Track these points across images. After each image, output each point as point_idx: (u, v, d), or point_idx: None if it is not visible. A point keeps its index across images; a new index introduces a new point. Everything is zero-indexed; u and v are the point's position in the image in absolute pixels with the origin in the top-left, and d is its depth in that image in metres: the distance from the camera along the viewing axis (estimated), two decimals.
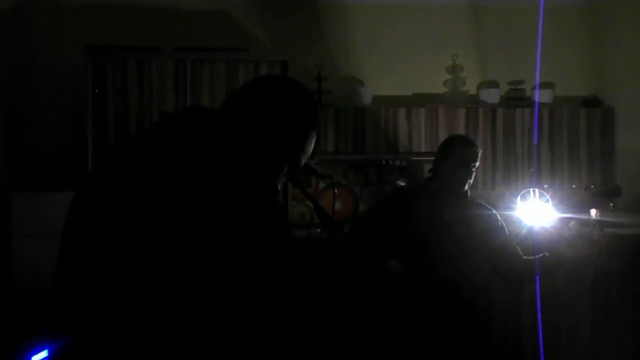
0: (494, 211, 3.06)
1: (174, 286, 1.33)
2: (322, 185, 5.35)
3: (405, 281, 2.78)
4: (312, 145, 1.69)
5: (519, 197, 4.16)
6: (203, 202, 1.37)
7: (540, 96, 5.52)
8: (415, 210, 2.95)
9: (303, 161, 1.69)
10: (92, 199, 1.44)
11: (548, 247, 4.42)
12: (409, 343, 2.87)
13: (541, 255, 2.91)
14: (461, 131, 5.34)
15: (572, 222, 4.76)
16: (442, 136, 5.51)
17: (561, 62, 5.61)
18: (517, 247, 2.94)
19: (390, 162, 5.42)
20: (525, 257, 2.93)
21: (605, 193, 2.73)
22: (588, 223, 4.60)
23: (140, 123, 4.87)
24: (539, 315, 4.48)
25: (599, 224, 4.57)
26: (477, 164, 3.00)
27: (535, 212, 2.96)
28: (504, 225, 3.01)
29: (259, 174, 1.49)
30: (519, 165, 5.39)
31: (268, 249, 1.42)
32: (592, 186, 2.76)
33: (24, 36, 5.18)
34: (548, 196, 3.12)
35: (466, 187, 2.98)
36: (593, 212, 4.66)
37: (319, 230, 4.63)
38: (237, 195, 1.40)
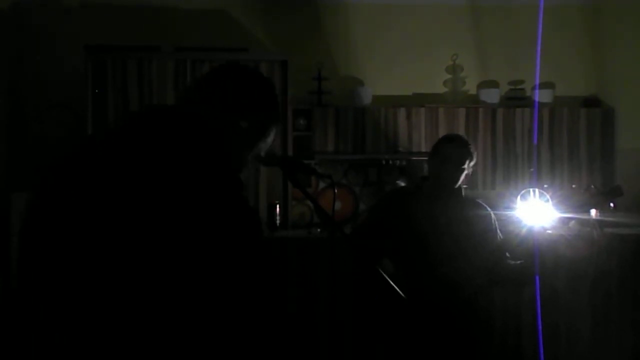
0: (490, 211, 3.04)
1: (149, 281, 1.36)
2: (322, 185, 5.35)
3: (400, 281, 2.78)
4: (273, 135, 1.68)
5: (519, 197, 4.16)
6: (174, 200, 1.39)
7: (540, 96, 5.52)
8: (414, 210, 2.95)
9: (263, 151, 1.69)
10: (59, 202, 1.45)
11: (548, 247, 4.43)
12: (409, 343, 2.87)
13: (521, 262, 2.88)
14: (461, 131, 5.34)
15: (572, 222, 4.77)
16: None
17: (561, 62, 5.61)
18: (506, 252, 2.91)
19: (390, 162, 5.42)
20: (510, 263, 2.91)
21: (605, 193, 2.72)
22: (588, 223, 4.61)
23: None
24: (539, 315, 4.48)
25: (599, 224, 4.58)
26: (469, 162, 2.97)
27: (535, 212, 2.95)
28: (497, 228, 3.01)
29: (226, 169, 1.49)
30: (519, 165, 5.38)
31: (242, 242, 1.44)
32: (592, 186, 2.75)
33: (24, 36, 5.18)
34: (548, 196, 3.12)
35: (458, 185, 2.97)
36: (593, 212, 4.68)
37: (319, 230, 4.63)
38: (208, 192, 1.41)
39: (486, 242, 2.90)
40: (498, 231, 3.00)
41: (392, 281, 2.75)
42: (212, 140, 1.49)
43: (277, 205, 4.68)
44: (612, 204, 4.59)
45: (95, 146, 1.51)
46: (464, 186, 3.08)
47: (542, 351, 4.49)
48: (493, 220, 3.01)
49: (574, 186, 5.22)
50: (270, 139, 1.68)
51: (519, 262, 2.89)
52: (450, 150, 2.94)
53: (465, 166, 2.95)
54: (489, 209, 3.04)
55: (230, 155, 1.55)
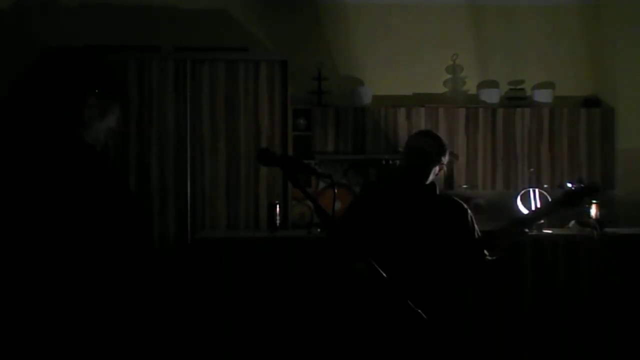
0: (467, 209, 2.99)
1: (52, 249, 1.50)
2: (322, 185, 5.35)
3: (372, 281, 2.76)
4: (118, 111, 1.76)
5: (519, 197, 4.16)
6: (49, 182, 1.50)
7: (540, 96, 5.52)
8: (386, 209, 2.93)
9: (114, 124, 1.77)
10: None
11: (548, 247, 4.43)
12: (382, 342, 2.84)
13: (501, 258, 2.87)
14: (461, 131, 5.35)
15: (572, 222, 4.77)
16: (442, 136, 5.48)
17: (561, 62, 5.61)
18: (484, 250, 2.89)
19: (390, 162, 5.42)
20: (489, 258, 2.89)
21: (582, 191, 2.69)
22: (588, 223, 4.61)
23: (141, 123, 4.87)
24: (539, 315, 4.48)
25: (599, 224, 4.58)
26: (440, 157, 2.91)
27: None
28: (475, 225, 2.98)
29: (86, 148, 1.61)
30: (519, 165, 5.38)
31: (112, 202, 1.57)
32: (568, 184, 2.73)
33: (24, 36, 5.17)
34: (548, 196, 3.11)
35: (429, 180, 2.92)
36: (593, 212, 4.68)
37: (319, 230, 4.63)
38: (64, 164, 1.53)
39: (460, 240, 2.87)
40: (476, 229, 2.97)
41: (365, 280, 2.73)
42: (57, 126, 1.58)
43: (277, 205, 4.68)
44: (593, 201, 4.59)
45: None
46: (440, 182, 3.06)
47: (541, 351, 4.49)
48: (469, 218, 2.97)
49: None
50: (116, 114, 1.75)
51: (494, 258, 2.87)
52: (419, 144, 2.93)
53: (435, 159, 2.91)
54: (465, 207, 3.01)
55: (82, 134, 1.63)
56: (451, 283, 2.93)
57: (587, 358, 4.51)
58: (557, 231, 4.68)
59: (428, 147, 2.92)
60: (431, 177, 2.94)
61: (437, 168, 2.94)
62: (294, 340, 4.32)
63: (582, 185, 2.70)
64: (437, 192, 2.99)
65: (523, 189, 4.99)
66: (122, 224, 1.57)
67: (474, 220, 2.98)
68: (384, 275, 2.34)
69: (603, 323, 4.52)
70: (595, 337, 4.52)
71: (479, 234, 2.96)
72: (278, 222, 4.68)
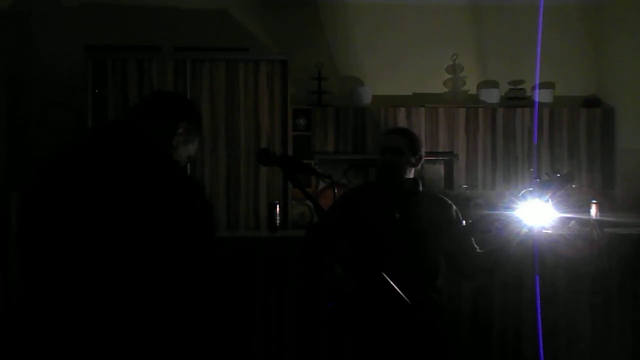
0: (452, 205, 2.98)
1: (137, 257, 1.81)
2: (322, 185, 5.35)
3: (351, 286, 2.75)
4: (198, 139, 2.16)
5: (519, 197, 4.16)
6: (144, 194, 1.85)
7: (540, 96, 5.52)
8: (367, 209, 2.92)
9: (192, 151, 2.16)
10: (51, 203, 1.87)
11: (548, 247, 4.44)
12: (366, 345, 2.83)
13: (491, 249, 2.85)
14: (461, 131, 5.35)
15: (572, 222, 4.77)
16: (442, 136, 5.53)
17: (561, 62, 5.61)
18: (473, 240, 2.88)
19: None
20: (479, 251, 2.88)
21: (557, 181, 2.71)
22: (588, 223, 4.61)
23: None
24: (539, 315, 4.48)
25: (599, 224, 4.58)
26: (411, 149, 2.91)
27: (534, 212, 2.93)
28: (460, 219, 2.97)
29: (168, 161, 2.00)
30: (519, 165, 5.39)
31: (199, 221, 1.92)
32: (546, 173, 2.75)
33: (24, 36, 5.18)
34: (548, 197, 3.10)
35: (406, 175, 2.91)
36: (593, 212, 4.68)
37: None
38: (158, 179, 1.90)
39: (441, 238, 2.86)
40: (461, 221, 2.96)
41: (341, 283, 2.72)
42: (155, 144, 1.99)
43: (277, 205, 4.68)
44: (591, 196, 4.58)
45: (73, 153, 1.96)
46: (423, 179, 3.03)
47: (542, 351, 4.49)
48: (454, 212, 2.96)
49: (574, 186, 5.22)
50: (196, 141, 2.14)
51: (485, 249, 2.86)
52: (388, 139, 2.95)
53: (406, 153, 2.91)
54: (450, 203, 3.00)
55: (172, 153, 2.04)
56: (437, 278, 2.92)
57: (588, 358, 4.51)
58: (557, 231, 4.68)
59: (397, 143, 2.92)
60: (409, 172, 2.93)
61: (413, 161, 2.93)
62: (294, 340, 4.31)
63: (558, 175, 2.72)
64: (421, 188, 2.97)
65: (523, 189, 4.99)
66: (196, 226, 1.90)
67: (459, 214, 2.97)
68: (361, 281, 2.35)
69: (603, 323, 4.52)
70: (596, 337, 4.52)
71: (464, 224, 2.95)
72: (278, 222, 4.68)
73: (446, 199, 3.01)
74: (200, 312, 1.92)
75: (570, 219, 4.79)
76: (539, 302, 4.49)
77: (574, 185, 5.25)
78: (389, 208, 2.89)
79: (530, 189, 2.69)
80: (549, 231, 4.65)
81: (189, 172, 4.87)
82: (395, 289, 2.21)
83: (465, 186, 5.28)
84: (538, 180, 2.69)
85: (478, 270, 2.94)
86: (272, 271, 4.32)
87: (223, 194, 4.94)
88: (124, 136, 1.97)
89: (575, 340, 4.50)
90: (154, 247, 1.82)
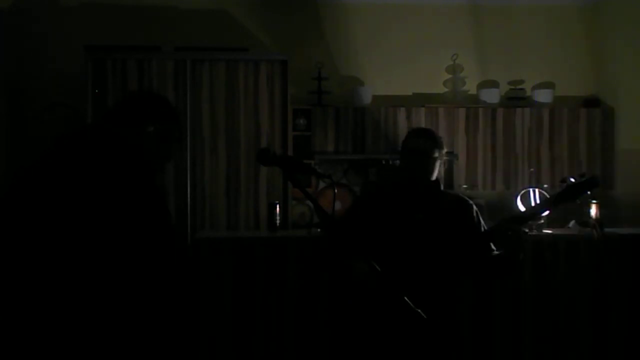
0: (472, 205, 2.99)
1: (92, 258, 1.86)
2: (322, 185, 5.35)
3: (374, 283, 2.75)
4: (176, 139, 2.17)
5: (519, 197, 4.16)
6: (109, 197, 1.89)
7: (540, 96, 5.52)
8: (390, 208, 2.92)
9: (173, 153, 2.19)
10: (20, 208, 1.93)
11: (548, 247, 4.43)
12: (384, 343, 2.84)
13: (501, 252, 2.86)
14: (461, 131, 5.35)
15: (572, 222, 4.77)
16: (442, 136, 5.49)
17: (561, 62, 5.61)
18: (491, 244, 2.88)
19: (390, 162, 5.42)
20: (496, 253, 2.88)
21: (581, 185, 2.68)
22: (588, 223, 4.61)
23: None
24: (539, 315, 4.48)
25: (599, 224, 4.58)
26: (438, 152, 2.93)
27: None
28: (480, 220, 2.98)
29: (149, 170, 2.03)
30: (519, 165, 5.39)
31: (154, 221, 1.95)
32: (571, 178, 2.71)
33: (24, 36, 5.18)
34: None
35: (433, 177, 2.93)
36: (593, 212, 4.68)
37: (319, 230, 4.63)
38: (123, 184, 1.93)
39: (466, 237, 2.87)
40: (482, 223, 2.96)
41: (368, 281, 2.72)
42: (123, 147, 2.00)
43: (277, 205, 4.68)
44: (591, 196, 4.56)
45: (46, 158, 2.03)
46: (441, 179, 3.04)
47: (542, 351, 4.49)
48: (475, 213, 2.97)
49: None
50: (172, 140, 2.13)
51: (499, 252, 2.86)
52: (413, 143, 2.94)
53: (436, 156, 2.93)
54: (471, 202, 3.01)
55: (141, 155, 2.03)
56: (456, 281, 2.93)
57: (588, 358, 4.51)
58: (557, 231, 4.68)
59: (427, 146, 2.92)
60: (435, 174, 2.95)
61: (437, 164, 2.95)
62: (294, 340, 4.32)
63: (583, 179, 2.70)
64: (442, 188, 3.00)
65: (523, 189, 4.99)
66: (150, 228, 1.92)
67: (479, 215, 2.98)
68: (385, 276, 2.34)
69: (603, 323, 4.52)
70: (596, 337, 4.52)
71: (485, 228, 2.95)
72: (278, 222, 4.68)
73: (467, 199, 3.01)
74: (149, 316, 1.95)
75: (570, 219, 4.79)
76: (538, 302, 4.49)
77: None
78: (411, 209, 2.89)
79: (560, 191, 2.68)
80: (549, 231, 4.65)
81: (188, 171, 4.88)
82: (412, 307, 2.22)
83: (465, 186, 5.27)
84: (565, 184, 2.67)
85: (491, 272, 2.95)
86: (272, 271, 4.32)
87: (223, 194, 4.94)
88: (87, 140, 2.01)
89: (575, 341, 4.50)
90: (104, 251, 1.86)
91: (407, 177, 2.95)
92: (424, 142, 2.94)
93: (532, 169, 5.35)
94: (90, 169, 1.92)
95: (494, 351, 4.47)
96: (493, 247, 2.87)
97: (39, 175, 1.97)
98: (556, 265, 4.51)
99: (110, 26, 5.21)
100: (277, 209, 4.67)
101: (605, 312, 4.52)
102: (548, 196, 4.56)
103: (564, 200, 2.67)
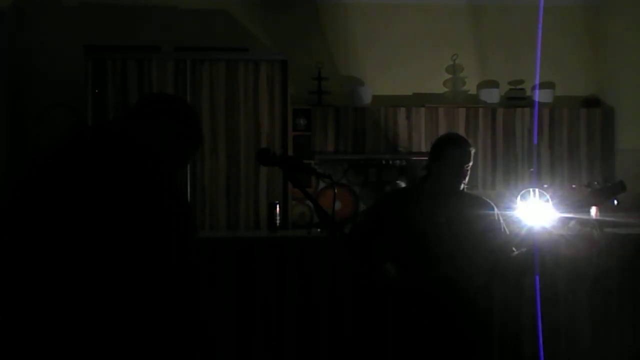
0: (494, 207, 3.00)
1: (109, 253, 1.84)
2: (322, 185, 5.35)
3: (401, 283, 2.76)
4: (196, 142, 2.14)
5: (519, 197, 4.16)
6: (124, 193, 1.88)
7: (540, 96, 5.52)
8: (414, 211, 2.93)
9: (190, 157, 2.18)
10: (33, 200, 1.91)
11: (548, 247, 4.43)
12: (409, 343, 2.86)
13: (521, 250, 2.86)
14: (461, 131, 5.34)
15: (572, 222, 4.77)
16: None
17: (561, 62, 5.61)
18: (514, 246, 2.89)
19: (390, 162, 5.42)
20: (516, 253, 2.89)
21: (608, 189, 2.68)
22: (588, 223, 4.61)
23: None
24: (539, 315, 4.48)
25: (599, 224, 4.58)
26: (471, 163, 2.96)
27: (535, 212, 2.93)
28: (503, 223, 2.98)
29: (161, 169, 2.00)
30: (519, 165, 5.39)
31: (171, 222, 1.93)
32: (596, 182, 2.72)
33: (24, 36, 5.18)
34: (548, 196, 3.09)
35: (461, 187, 2.95)
36: (593, 211, 4.68)
37: (319, 230, 4.63)
38: (148, 187, 1.93)
39: (489, 240, 2.88)
40: (504, 227, 2.96)
41: (395, 284, 2.74)
42: (136, 146, 1.99)
43: (277, 205, 4.68)
44: (615, 201, 4.57)
45: (55, 154, 2.00)
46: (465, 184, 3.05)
47: (542, 351, 4.49)
48: (497, 217, 2.97)
49: (573, 186, 5.22)
50: (190, 141, 2.10)
51: (520, 250, 2.87)
52: (454, 154, 2.90)
53: (470, 166, 2.95)
54: (492, 205, 3.01)
55: (152, 152, 2.01)
56: (480, 282, 2.93)
57: (588, 358, 4.51)
58: (557, 231, 4.68)
59: (464, 159, 2.92)
60: (461, 185, 2.94)
61: (466, 174, 2.95)
62: (294, 340, 4.31)
63: (609, 184, 2.70)
64: (465, 192, 2.99)
65: (523, 189, 4.99)
66: (167, 231, 1.91)
67: (500, 217, 2.98)
68: (410, 277, 2.36)
69: (603, 323, 4.52)
70: (596, 337, 4.52)
71: (507, 230, 2.95)
72: (278, 222, 4.68)
73: (489, 201, 3.00)
74: (166, 314, 1.95)
75: (570, 218, 4.79)
76: (539, 301, 4.49)
77: (573, 185, 5.26)
78: (435, 212, 2.89)
79: (589, 197, 2.68)
80: (549, 231, 4.64)
81: (188, 171, 4.88)
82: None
83: (465, 186, 5.27)
84: (591, 189, 2.67)
85: (507, 270, 2.96)
86: (272, 271, 4.32)
87: (223, 194, 4.94)
88: (104, 137, 1.99)
89: (575, 341, 4.50)
90: (123, 249, 1.85)
91: (439, 185, 2.92)
92: (461, 152, 2.91)
93: (532, 169, 5.35)
94: (101, 163, 1.92)
95: (494, 351, 4.47)
96: (515, 250, 2.88)
97: (51, 169, 1.96)
98: (556, 265, 4.51)
99: (110, 26, 5.22)
100: (277, 209, 4.68)
101: (605, 312, 4.52)
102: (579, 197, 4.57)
103: (594, 205, 2.68)
